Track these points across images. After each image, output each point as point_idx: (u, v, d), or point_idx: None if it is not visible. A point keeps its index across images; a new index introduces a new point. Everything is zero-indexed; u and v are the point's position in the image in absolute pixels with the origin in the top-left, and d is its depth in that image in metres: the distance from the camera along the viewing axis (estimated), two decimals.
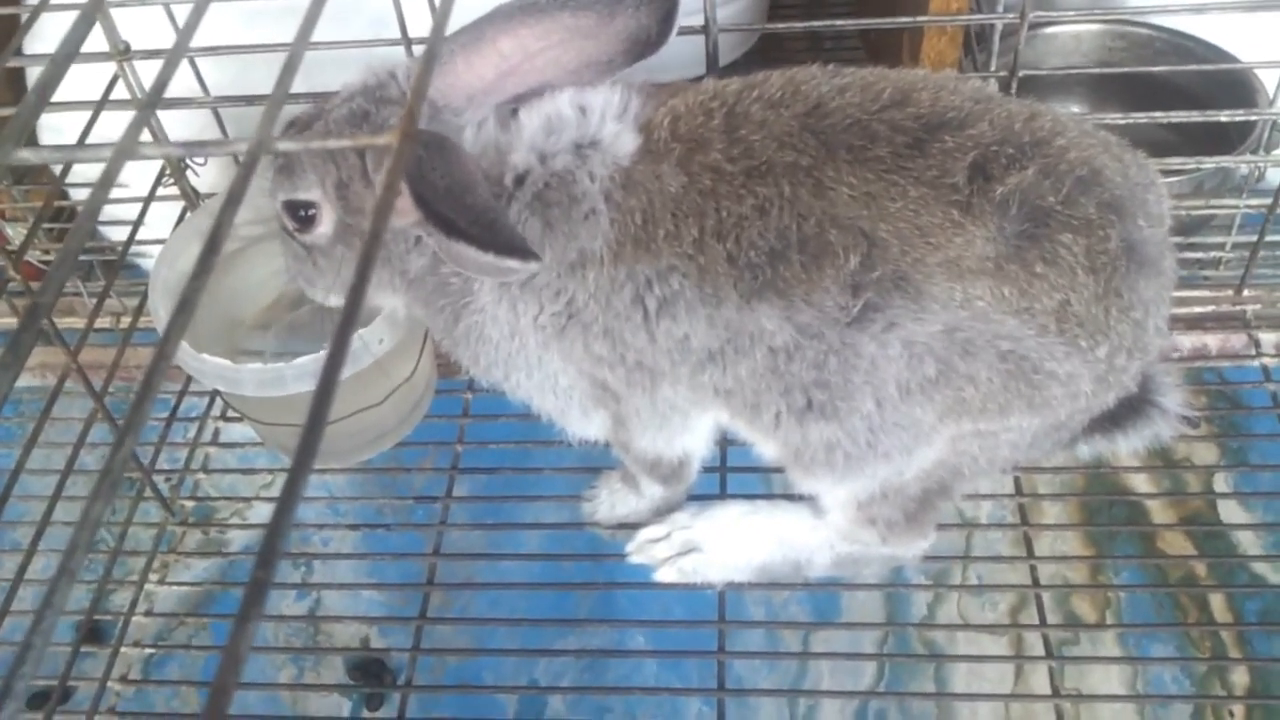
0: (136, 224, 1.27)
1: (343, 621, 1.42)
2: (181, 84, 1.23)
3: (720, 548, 1.11)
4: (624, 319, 0.88)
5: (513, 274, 0.80)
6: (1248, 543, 1.38)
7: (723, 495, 1.17)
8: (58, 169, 1.31)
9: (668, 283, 0.86)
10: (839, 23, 1.16)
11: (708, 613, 1.12)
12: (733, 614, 1.14)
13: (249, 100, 1.21)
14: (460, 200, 0.77)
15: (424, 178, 0.76)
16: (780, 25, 1.22)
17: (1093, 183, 0.83)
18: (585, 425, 1.03)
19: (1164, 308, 0.90)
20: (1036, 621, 1.12)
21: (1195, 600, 1.35)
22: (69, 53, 0.48)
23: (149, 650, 1.33)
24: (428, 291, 0.95)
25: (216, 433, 1.35)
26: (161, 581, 1.27)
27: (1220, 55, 1.48)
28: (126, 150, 0.38)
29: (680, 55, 0.99)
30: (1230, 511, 1.41)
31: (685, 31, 0.96)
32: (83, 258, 1.48)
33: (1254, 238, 1.28)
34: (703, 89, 0.89)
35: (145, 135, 1.21)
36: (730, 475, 1.18)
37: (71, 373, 1.13)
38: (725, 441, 1.14)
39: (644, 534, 1.13)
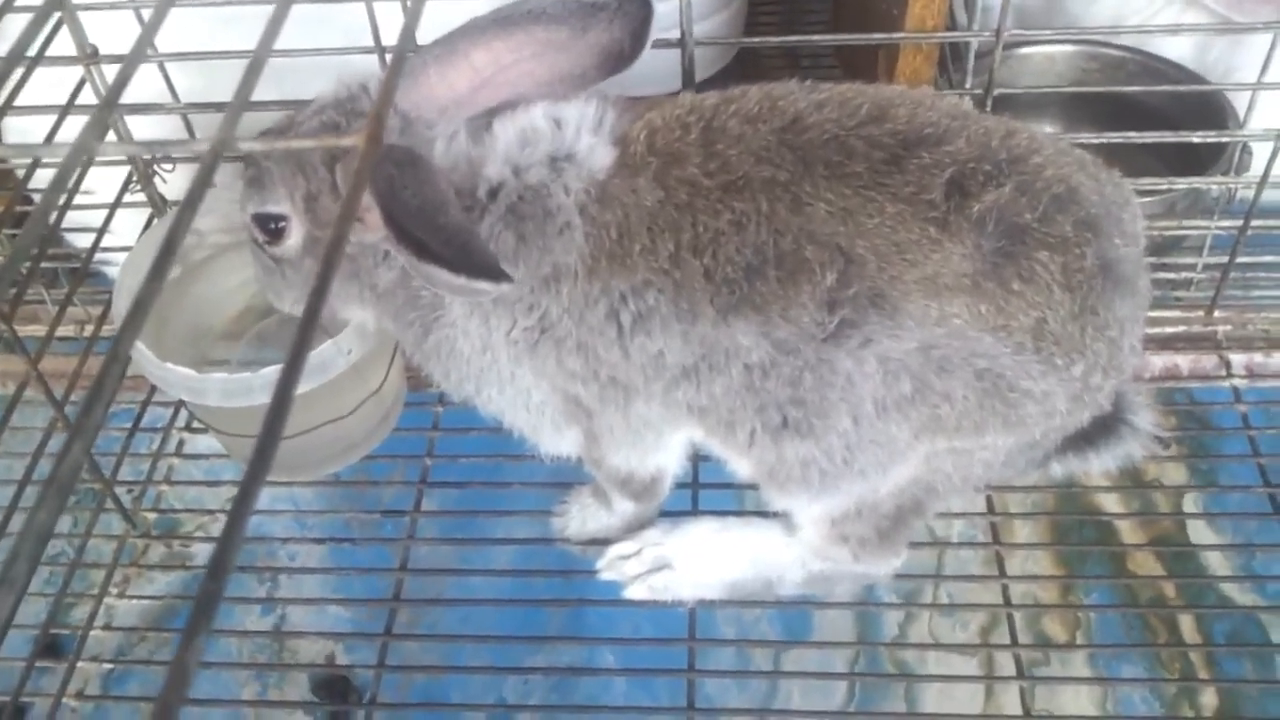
0: (101, 230, 1.25)
1: (307, 637, 1.39)
2: (151, 89, 1.21)
3: (691, 565, 1.10)
4: (598, 334, 0.87)
5: (484, 295, 0.79)
6: (1216, 563, 1.38)
7: (695, 512, 1.16)
8: (20, 173, 1.29)
9: (643, 298, 0.85)
10: (815, 38, 1.16)
11: (678, 630, 1.11)
12: (703, 632, 1.12)
13: (218, 106, 1.19)
14: (432, 220, 0.76)
15: (395, 197, 0.75)
16: (756, 40, 1.22)
17: (1069, 200, 0.83)
18: (557, 441, 1.02)
19: (1139, 327, 0.90)
20: (1007, 641, 1.12)
21: (1165, 621, 1.35)
22: (23, 48, 0.46)
23: (108, 665, 1.30)
24: (398, 305, 0.94)
25: (181, 444, 1.33)
26: (122, 595, 1.25)
27: (1192, 77, 1.49)
28: (84, 147, 0.37)
29: (657, 70, 0.98)
30: (1199, 532, 1.42)
31: (661, 45, 0.96)
32: (47, 265, 1.45)
33: (1225, 259, 1.28)
34: (679, 103, 0.89)
35: (110, 137, 1.20)
36: (702, 492, 1.17)
37: (32, 380, 1.10)
38: (697, 458, 1.13)
39: (615, 550, 1.12)
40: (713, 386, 0.88)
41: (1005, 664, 1.27)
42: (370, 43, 1.13)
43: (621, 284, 0.85)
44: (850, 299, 0.81)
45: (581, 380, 0.91)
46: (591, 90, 0.90)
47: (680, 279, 0.84)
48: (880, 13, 1.39)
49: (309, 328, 0.34)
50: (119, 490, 1.25)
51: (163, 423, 1.34)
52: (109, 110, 0.40)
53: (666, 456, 1.03)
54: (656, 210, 0.84)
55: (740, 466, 0.97)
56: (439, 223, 0.76)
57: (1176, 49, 1.53)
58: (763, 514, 1.08)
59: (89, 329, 1.34)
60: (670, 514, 1.14)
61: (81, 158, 0.37)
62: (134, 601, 1.32)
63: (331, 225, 0.86)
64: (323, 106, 0.89)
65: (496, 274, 0.76)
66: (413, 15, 0.47)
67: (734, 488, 1.09)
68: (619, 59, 0.88)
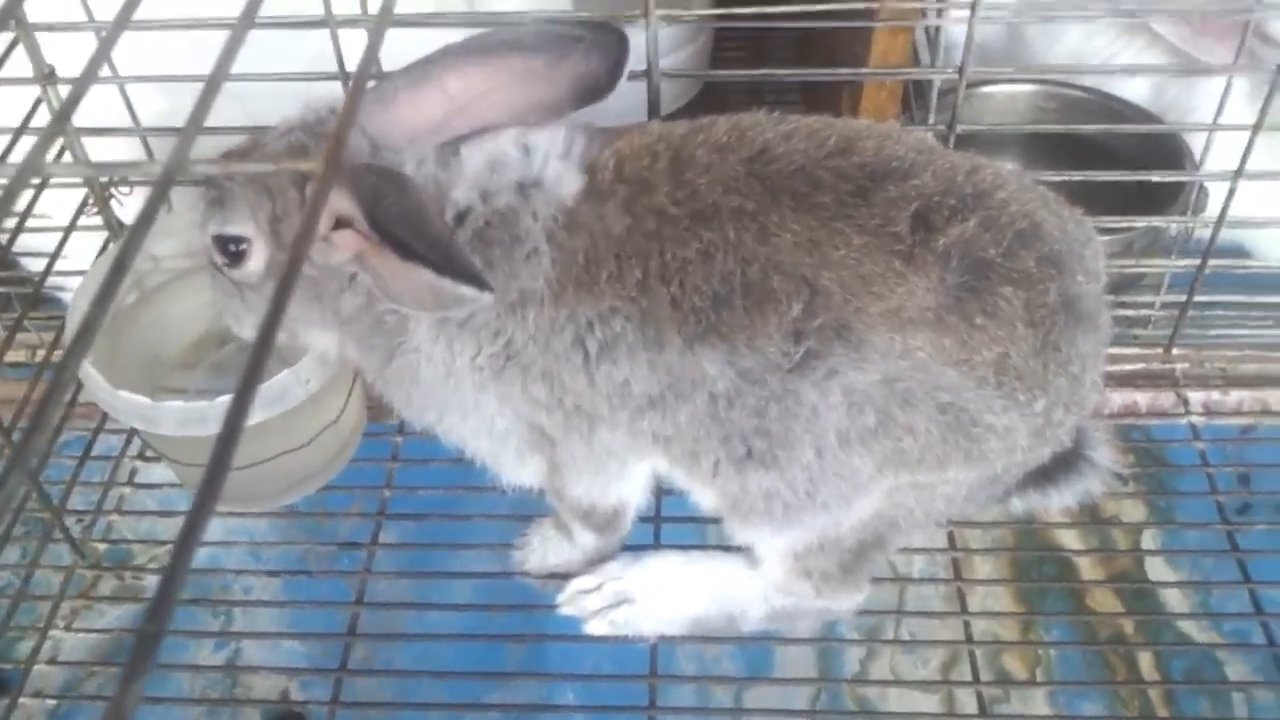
0: (55, 254, 1.23)
1: (261, 672, 1.36)
2: (113, 115, 1.20)
3: (653, 599, 1.08)
4: (563, 361, 0.87)
5: (466, 303, 0.78)
6: (1174, 601, 1.39)
7: (657, 546, 1.15)
8: None
9: (609, 325, 0.85)
10: (780, 72, 1.16)
11: (638, 667, 1.09)
12: (664, 668, 1.11)
13: (178, 130, 1.18)
14: (415, 227, 0.76)
15: (379, 203, 0.75)
16: (722, 73, 1.23)
17: (1033, 236, 0.83)
18: (520, 471, 1.00)
19: (1100, 363, 0.91)
20: (969, 678, 1.11)
21: (1124, 658, 1.36)
22: None
23: (53, 701, 1.27)
24: (361, 330, 0.92)
25: (133, 473, 1.30)
26: (69, 628, 1.21)
27: (1150, 118, 1.51)
28: (33, 165, 0.35)
29: (623, 103, 0.98)
30: (1157, 569, 1.42)
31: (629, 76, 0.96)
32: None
33: (1183, 297, 1.30)
34: (649, 131, 0.89)
35: (67, 159, 1.18)
36: (665, 526, 1.16)
37: None
38: (660, 491, 1.12)
39: (575, 584, 1.10)
40: (678, 415, 0.87)
41: (966, 701, 1.26)
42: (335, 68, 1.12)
43: (588, 311, 0.85)
44: (816, 330, 0.81)
45: (546, 408, 0.90)
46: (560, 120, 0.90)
47: (647, 307, 0.83)
48: (845, 50, 1.40)
49: (263, 351, 0.33)
50: (68, 520, 1.21)
51: (115, 451, 1.31)
52: (60, 127, 0.39)
53: (629, 488, 1.02)
54: (624, 238, 0.84)
55: (704, 498, 0.96)
56: (421, 230, 0.76)
57: (1134, 89, 1.55)
58: (725, 548, 1.07)
59: (40, 354, 1.31)
60: (632, 548, 1.13)
61: (30, 177, 0.36)
62: (82, 635, 1.28)
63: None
64: (290, 128, 0.88)
65: (480, 281, 0.76)
66: (374, 38, 0.46)
67: (697, 522, 1.08)
68: (594, 90, 0.88)
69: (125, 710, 0.22)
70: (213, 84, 0.42)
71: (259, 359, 0.33)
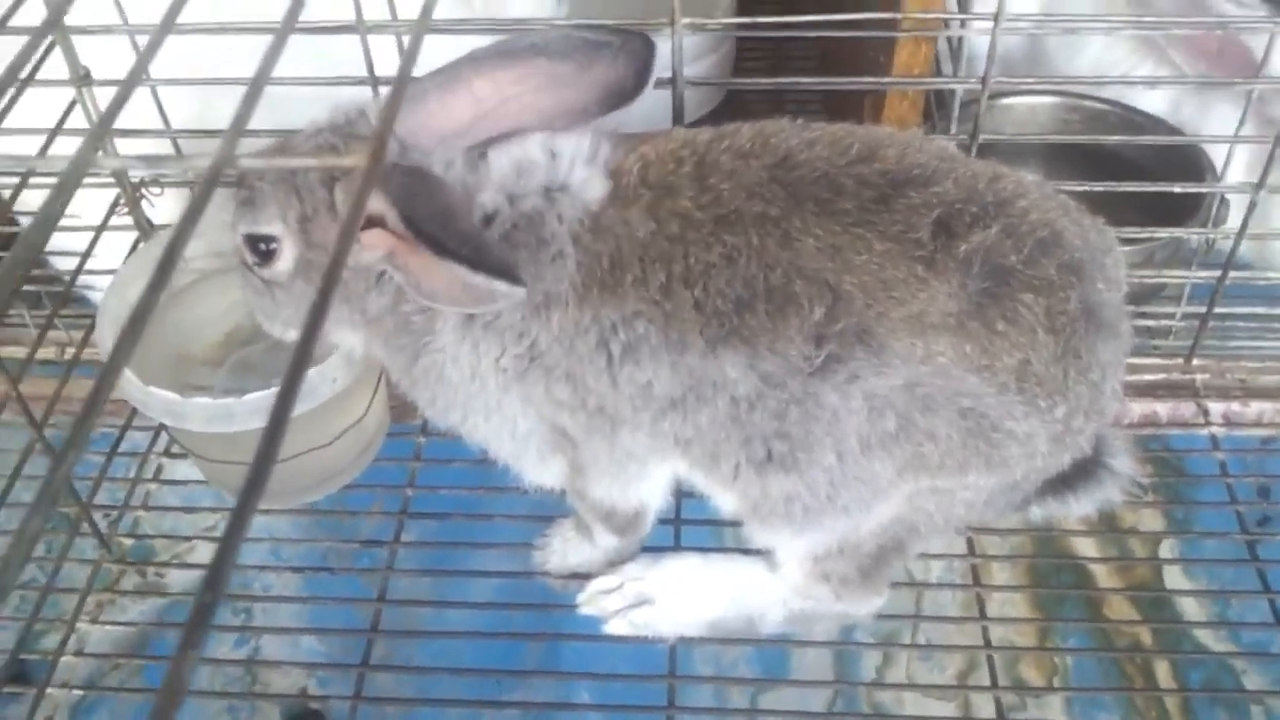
0: (86, 253, 1.25)
1: (281, 668, 1.37)
2: (145, 118, 1.22)
3: (673, 601, 1.09)
4: (587, 363, 0.88)
5: (499, 298, 0.79)
6: (1191, 610, 1.39)
7: (677, 548, 1.15)
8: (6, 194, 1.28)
9: (633, 328, 0.86)
10: (804, 80, 1.17)
11: (656, 667, 1.10)
12: (682, 669, 1.12)
13: (209, 132, 1.20)
14: (446, 225, 0.77)
15: (411, 202, 0.77)
16: (745, 80, 1.24)
17: (1054, 244, 0.84)
18: (541, 471, 1.01)
19: (1120, 371, 0.91)
20: (986, 683, 1.12)
21: (1140, 667, 1.35)
22: (18, 69, 0.47)
23: (78, 692, 1.28)
24: (388, 330, 0.94)
25: (160, 469, 1.31)
26: (94, 621, 1.23)
27: (1171, 131, 1.52)
28: (84, 159, 0.37)
29: (646, 112, 0.99)
30: (1174, 578, 1.42)
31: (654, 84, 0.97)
32: (31, 288, 1.44)
33: (1204, 308, 1.30)
34: (673, 137, 0.90)
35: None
36: (685, 528, 1.17)
37: (10, 401, 1.09)
38: (680, 493, 1.13)
39: (595, 585, 1.11)
40: (699, 418, 0.88)
41: (983, 706, 1.27)
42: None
43: (612, 314, 0.86)
44: (837, 334, 0.82)
45: (569, 409, 0.91)
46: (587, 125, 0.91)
47: (670, 310, 0.84)
48: (867, 60, 1.41)
49: (310, 340, 0.34)
50: (95, 515, 1.23)
51: (142, 448, 1.32)
52: (106, 128, 0.41)
53: (650, 489, 1.03)
54: (648, 241, 0.85)
55: (724, 501, 0.97)
56: (453, 227, 0.78)
57: (1152, 105, 1.56)
58: (745, 551, 1.07)
59: (69, 352, 1.33)
60: (652, 549, 1.14)
61: (82, 171, 0.37)
62: (107, 628, 1.30)
63: (326, 246, 0.87)
64: (319, 130, 0.89)
65: (513, 276, 0.77)
66: (415, 38, 0.47)
67: (716, 524, 1.09)
68: (621, 96, 0.89)
69: (183, 677, 0.23)
70: (257, 85, 0.43)
71: (303, 355, 0.34)
